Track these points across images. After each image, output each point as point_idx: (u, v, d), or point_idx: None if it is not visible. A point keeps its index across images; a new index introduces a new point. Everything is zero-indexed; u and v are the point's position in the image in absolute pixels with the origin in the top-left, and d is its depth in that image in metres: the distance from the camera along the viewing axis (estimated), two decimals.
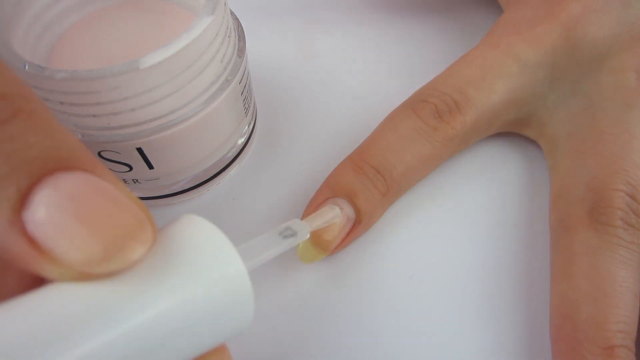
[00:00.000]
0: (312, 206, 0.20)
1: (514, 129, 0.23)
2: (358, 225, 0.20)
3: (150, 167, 0.20)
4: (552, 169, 0.22)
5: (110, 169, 0.19)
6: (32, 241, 0.10)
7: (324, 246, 0.20)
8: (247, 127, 0.23)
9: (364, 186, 0.20)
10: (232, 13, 0.21)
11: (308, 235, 0.17)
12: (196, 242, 0.12)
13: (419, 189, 0.23)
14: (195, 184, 0.22)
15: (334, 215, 0.19)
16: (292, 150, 0.24)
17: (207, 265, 0.12)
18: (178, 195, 0.22)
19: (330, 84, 0.27)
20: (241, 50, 0.20)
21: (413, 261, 0.21)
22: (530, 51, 0.21)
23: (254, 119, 0.24)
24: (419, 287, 0.20)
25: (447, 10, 0.30)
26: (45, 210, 0.10)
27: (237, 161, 0.23)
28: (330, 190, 0.20)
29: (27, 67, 0.16)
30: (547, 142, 0.22)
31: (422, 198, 0.23)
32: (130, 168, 0.19)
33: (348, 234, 0.20)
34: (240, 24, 0.21)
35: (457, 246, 0.21)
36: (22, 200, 0.10)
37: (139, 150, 0.18)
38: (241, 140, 0.23)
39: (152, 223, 0.11)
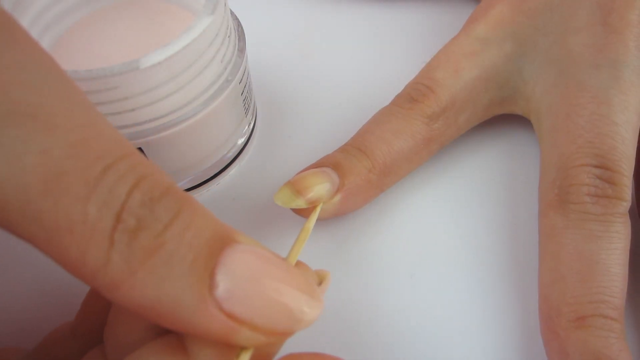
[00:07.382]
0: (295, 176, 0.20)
1: (505, 110, 0.23)
2: (342, 188, 0.19)
3: None
4: (540, 152, 0.21)
5: None
6: (230, 316, 0.11)
7: (299, 190, 0.19)
8: (247, 127, 0.23)
9: (348, 160, 0.20)
10: (232, 13, 0.21)
11: None
12: None
13: (418, 187, 0.23)
14: (195, 184, 0.22)
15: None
16: (292, 150, 0.24)
17: None
18: None
19: (330, 83, 0.27)
20: (241, 50, 0.20)
21: (413, 260, 0.21)
22: (488, 29, 0.22)
23: (254, 119, 0.24)
24: (419, 286, 0.20)
25: (449, 10, 0.30)
26: (235, 286, 0.11)
27: (237, 161, 0.23)
28: (315, 166, 0.20)
29: None
30: (534, 119, 0.22)
31: (422, 197, 0.23)
32: None
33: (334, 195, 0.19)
34: (240, 24, 0.21)
35: (458, 245, 0.21)
36: (212, 280, 0.11)
37: (139, 150, 0.18)
38: (241, 140, 0.23)
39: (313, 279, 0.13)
